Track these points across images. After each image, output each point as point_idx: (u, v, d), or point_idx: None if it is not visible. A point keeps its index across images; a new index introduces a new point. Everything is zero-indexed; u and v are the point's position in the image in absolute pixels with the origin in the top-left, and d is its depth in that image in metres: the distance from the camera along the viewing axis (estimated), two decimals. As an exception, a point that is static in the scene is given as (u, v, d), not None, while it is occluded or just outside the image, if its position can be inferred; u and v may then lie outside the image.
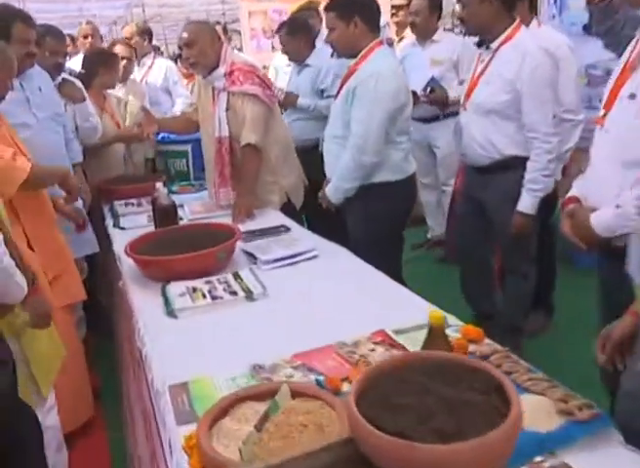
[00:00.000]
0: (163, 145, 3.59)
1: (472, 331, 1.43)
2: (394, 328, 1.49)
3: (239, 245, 2.16)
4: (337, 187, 2.45)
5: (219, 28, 4.76)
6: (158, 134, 3.92)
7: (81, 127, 3.04)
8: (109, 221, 2.85)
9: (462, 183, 2.73)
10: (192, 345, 1.56)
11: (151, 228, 2.44)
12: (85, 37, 4.36)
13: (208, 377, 1.35)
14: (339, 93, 2.44)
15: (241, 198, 2.70)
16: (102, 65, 3.44)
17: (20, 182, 1.92)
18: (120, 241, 2.52)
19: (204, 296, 1.79)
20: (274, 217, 2.69)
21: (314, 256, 2.10)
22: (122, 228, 2.69)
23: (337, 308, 1.70)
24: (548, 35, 2.68)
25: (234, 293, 1.80)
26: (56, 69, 2.85)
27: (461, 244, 2.72)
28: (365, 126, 2.30)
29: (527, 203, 2.30)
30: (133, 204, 2.99)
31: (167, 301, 1.78)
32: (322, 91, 3.66)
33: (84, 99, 2.99)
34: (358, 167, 2.38)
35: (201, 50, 2.63)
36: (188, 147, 3.52)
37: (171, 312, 1.72)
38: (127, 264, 2.11)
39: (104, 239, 2.85)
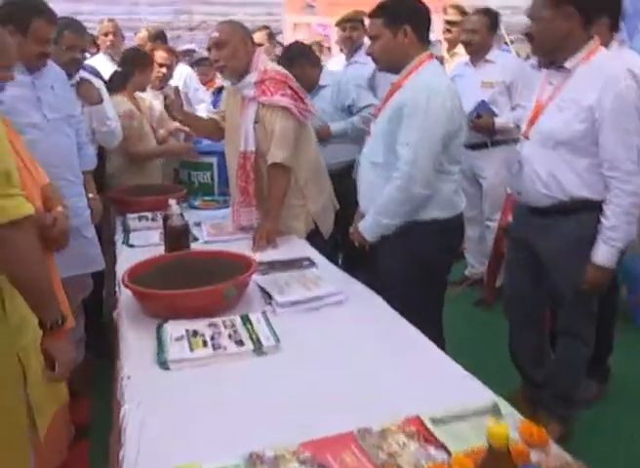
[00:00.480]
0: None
1: (535, 432, 1.10)
2: (432, 414, 1.17)
3: (254, 278, 1.88)
4: (374, 223, 2.09)
5: (264, 34, 4.49)
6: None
7: (97, 131, 2.81)
8: (119, 236, 2.59)
9: (513, 224, 2.38)
10: (180, 413, 1.27)
11: (162, 248, 2.18)
12: (106, 35, 4.15)
13: (195, 465, 1.06)
14: (379, 112, 2.12)
15: (264, 222, 2.42)
16: (139, 65, 3.29)
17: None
18: (126, 260, 2.27)
19: (204, 344, 1.50)
20: (298, 247, 2.41)
21: (339, 302, 1.79)
22: (131, 245, 2.44)
23: (362, 376, 1.39)
24: (631, 57, 2.35)
25: (240, 343, 1.50)
26: (72, 65, 2.62)
27: (510, 296, 2.35)
28: (415, 151, 1.95)
29: (605, 254, 1.94)
30: (147, 218, 2.74)
31: (160, 346, 1.50)
32: (349, 107, 3.34)
33: (101, 101, 2.76)
34: (405, 200, 2.00)
35: (231, 52, 2.37)
36: (214, 159, 3.28)
37: (163, 363, 1.43)
38: (125, 292, 1.83)
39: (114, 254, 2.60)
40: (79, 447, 2.23)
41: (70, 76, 2.61)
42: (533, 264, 2.16)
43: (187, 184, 3.32)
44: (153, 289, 1.68)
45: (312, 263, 2.12)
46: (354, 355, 1.50)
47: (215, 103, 4.53)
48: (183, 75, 4.37)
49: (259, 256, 2.23)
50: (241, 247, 2.34)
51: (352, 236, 2.21)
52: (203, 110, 4.14)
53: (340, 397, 1.30)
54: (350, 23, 4.00)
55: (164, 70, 3.71)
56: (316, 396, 1.31)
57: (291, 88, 2.42)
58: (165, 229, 2.10)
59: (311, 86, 3.22)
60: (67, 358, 1.44)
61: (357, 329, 1.66)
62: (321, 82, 3.30)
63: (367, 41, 4.07)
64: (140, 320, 1.70)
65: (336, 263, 2.82)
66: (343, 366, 1.45)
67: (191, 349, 1.47)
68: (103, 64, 3.80)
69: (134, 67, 3.27)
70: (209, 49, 2.48)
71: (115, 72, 3.32)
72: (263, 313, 1.68)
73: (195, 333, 1.55)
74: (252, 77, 2.41)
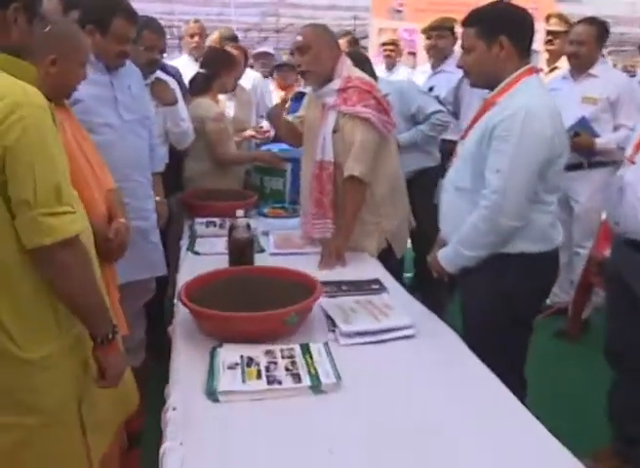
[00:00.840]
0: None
1: None
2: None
3: (319, 300, 1.73)
4: (456, 253, 1.87)
5: (345, 41, 4.36)
6: (260, 145, 3.65)
7: (171, 132, 2.77)
8: (185, 241, 2.52)
9: (609, 259, 2.12)
10: (225, 455, 1.15)
11: (227, 258, 2.08)
12: (191, 36, 4.04)
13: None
14: (467, 131, 1.90)
15: (334, 238, 2.28)
16: (225, 66, 3.21)
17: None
18: (189, 268, 2.19)
19: (259, 375, 1.37)
20: (369, 266, 2.25)
21: (410, 336, 1.62)
22: (196, 253, 2.36)
23: (428, 425, 1.23)
24: None
25: (297, 378, 1.36)
26: (150, 66, 2.58)
27: (611, 343, 2.09)
28: (506, 178, 1.72)
29: None
30: (215, 224, 2.65)
31: (211, 374, 1.38)
32: (413, 115, 3.16)
33: (176, 102, 2.70)
34: (491, 231, 1.78)
35: (315, 57, 2.24)
36: (288, 166, 3.16)
37: (212, 393, 1.31)
38: (182, 306, 1.74)
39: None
40: (131, 456, 2.17)
41: (147, 76, 2.58)
42: (632, 307, 1.91)
43: (259, 190, 3.23)
44: (210, 307, 1.57)
45: (382, 288, 1.96)
46: (421, 400, 1.34)
47: (293, 109, 4.43)
48: (251, 79, 4.24)
49: (325, 274, 2.11)
50: (309, 262, 2.22)
51: (430, 264, 2.01)
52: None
53: (401, 447, 1.16)
54: (436, 32, 3.81)
55: None
56: (375, 444, 1.17)
57: (375, 98, 2.26)
58: (230, 240, 2.00)
59: None
60: (117, 370, 1.38)
61: (427, 369, 1.49)
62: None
63: (458, 49, 3.89)
64: (195, 339, 1.60)
65: (402, 277, 2.66)
66: (408, 412, 1.29)
67: (244, 380, 1.35)
68: (187, 66, 3.76)
69: (219, 68, 3.18)
70: (292, 53, 2.37)
71: (198, 74, 3.24)
72: (325, 344, 1.54)
73: (250, 362, 1.42)
74: (335, 84, 2.27)
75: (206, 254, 2.32)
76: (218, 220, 2.67)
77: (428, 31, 3.85)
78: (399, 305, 1.78)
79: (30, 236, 1.16)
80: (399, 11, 6.63)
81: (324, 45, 2.25)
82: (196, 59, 3.88)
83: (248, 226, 2.02)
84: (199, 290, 1.69)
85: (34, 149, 1.14)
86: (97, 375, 1.34)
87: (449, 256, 1.89)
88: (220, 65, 3.19)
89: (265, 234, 2.59)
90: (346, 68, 2.31)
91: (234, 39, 4.17)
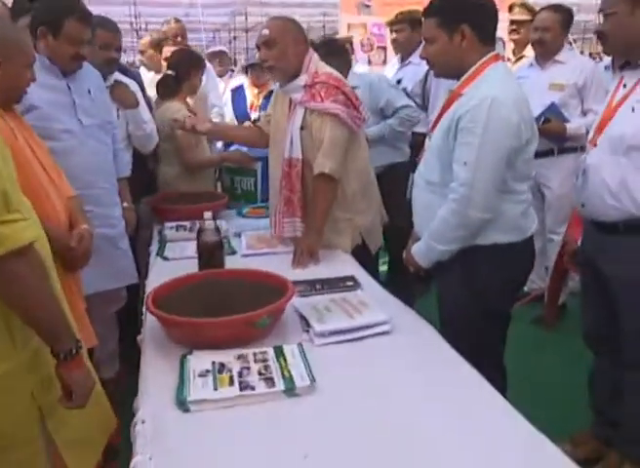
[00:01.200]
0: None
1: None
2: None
3: (292, 299, 1.69)
4: (429, 248, 1.83)
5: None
6: (230, 144, 3.59)
7: (134, 135, 2.70)
8: (154, 247, 2.47)
9: (581, 245, 2.12)
10: (198, 465, 1.11)
11: (197, 262, 2.03)
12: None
13: None
14: (435, 124, 1.87)
15: (306, 236, 2.25)
16: (194, 67, 3.14)
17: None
18: (158, 274, 2.14)
19: (231, 382, 1.33)
20: (343, 263, 2.22)
21: (386, 332, 1.59)
22: (165, 258, 2.30)
23: (407, 425, 1.20)
24: None
25: (271, 382, 1.32)
26: (108, 65, 2.51)
27: (589, 328, 2.09)
28: (473, 170, 1.68)
29: None
30: (185, 228, 2.59)
31: (182, 383, 1.33)
32: (381, 109, 3.14)
33: (137, 105, 2.64)
34: (461, 225, 1.74)
35: (281, 52, 2.19)
36: (258, 165, 3.11)
37: (183, 403, 1.27)
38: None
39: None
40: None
41: (106, 77, 2.51)
42: (602, 290, 1.90)
43: (230, 191, 3.19)
44: (179, 313, 1.53)
45: (356, 284, 1.93)
46: (399, 398, 1.31)
47: (265, 107, 4.36)
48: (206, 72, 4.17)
49: (299, 273, 2.07)
50: (282, 261, 2.19)
51: (406, 260, 1.98)
52: (214, 114, 3.90)
53: (380, 449, 1.12)
54: (395, 26, 3.80)
55: None
56: (353, 446, 1.13)
57: (344, 93, 2.22)
58: (198, 244, 1.95)
59: None
60: (84, 389, 1.29)
61: (405, 365, 1.46)
62: (350, 82, 3.12)
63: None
64: (165, 347, 1.55)
65: (377, 271, 2.64)
66: (386, 411, 1.26)
67: (215, 387, 1.31)
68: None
69: (189, 69, 3.10)
70: (258, 47, 2.32)
71: (167, 76, 3.14)
72: (299, 345, 1.50)
73: (222, 368, 1.38)
74: (301, 80, 2.23)
75: (175, 259, 2.27)
76: (188, 224, 2.61)
77: (390, 26, 3.84)
78: (374, 301, 1.75)
79: None
80: (367, 5, 6.63)
81: (290, 39, 2.21)
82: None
83: (217, 229, 1.97)
84: (167, 296, 1.64)
85: None
86: (62, 394, 1.27)
87: (422, 251, 1.86)
88: (189, 66, 3.11)
89: (237, 235, 2.55)
90: (314, 63, 2.26)
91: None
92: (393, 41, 3.88)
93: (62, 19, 2.01)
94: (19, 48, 1.64)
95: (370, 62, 6.16)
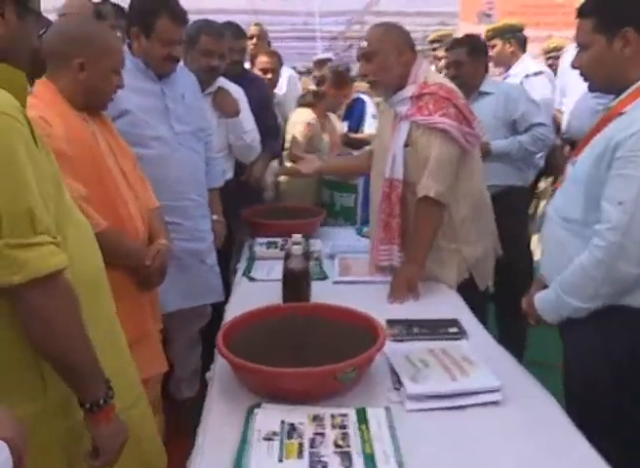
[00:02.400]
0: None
1: None
2: None
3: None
4: (559, 302, 1.50)
5: None
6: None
7: (233, 145, 2.56)
8: (242, 265, 2.30)
9: None
10: None
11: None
12: (250, 38, 3.67)
13: None
14: (581, 149, 1.52)
15: (406, 266, 1.98)
16: (336, 86, 3.30)
17: None
18: (242, 295, 1.99)
19: (300, 452, 1.10)
20: (446, 301, 1.95)
21: (496, 402, 1.30)
22: (251, 278, 2.13)
23: None
24: None
25: (347, 459, 1.08)
26: (207, 73, 2.38)
27: None
28: (631, 212, 1.35)
29: None
30: (276, 245, 2.41)
31: (243, 446, 1.13)
32: (514, 122, 2.76)
33: (237, 114, 2.50)
34: (607, 279, 1.40)
35: (382, 64, 1.96)
36: (360, 181, 2.90)
37: (239, 472, 1.06)
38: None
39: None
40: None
41: (205, 84, 2.39)
42: None
43: (329, 206, 2.98)
44: (252, 354, 1.32)
45: (461, 332, 1.64)
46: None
47: (347, 117, 4.16)
48: (285, 79, 3.96)
49: (395, 308, 1.83)
50: (377, 293, 1.96)
51: (525, 309, 1.66)
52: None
53: None
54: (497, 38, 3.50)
55: (269, 76, 3.36)
56: None
57: (456, 107, 1.95)
58: (284, 271, 1.75)
59: (470, 90, 2.71)
60: (113, 444, 1.10)
61: (517, 448, 1.16)
62: (484, 88, 2.80)
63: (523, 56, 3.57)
64: (233, 392, 1.35)
65: (486, 314, 2.35)
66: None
67: (281, 458, 1.09)
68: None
69: (331, 88, 3.31)
70: (358, 59, 2.10)
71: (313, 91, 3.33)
72: (387, 409, 1.25)
73: (292, 431, 1.16)
74: (407, 91, 1.98)
75: (262, 281, 2.09)
76: (280, 241, 2.43)
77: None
78: (482, 357, 1.46)
79: None
80: (489, 15, 6.30)
81: (392, 48, 1.96)
82: (250, 62, 3.61)
83: (305, 255, 1.76)
84: (241, 331, 1.45)
85: None
86: (90, 450, 1.09)
87: (550, 303, 1.53)
88: (331, 84, 3.32)
89: (331, 257, 2.34)
90: (423, 73, 2.01)
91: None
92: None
93: (154, 17, 1.93)
94: (104, 50, 1.54)
95: (485, 72, 5.99)
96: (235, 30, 2.65)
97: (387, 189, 2.03)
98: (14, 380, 1.00)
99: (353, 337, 1.42)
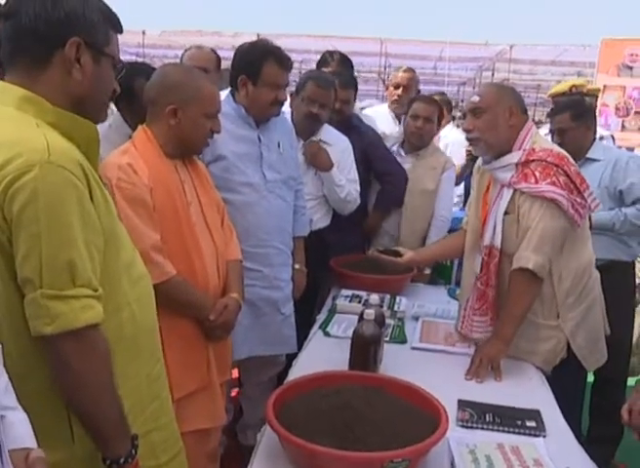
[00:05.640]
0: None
1: None
2: None
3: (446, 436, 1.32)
4: None
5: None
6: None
7: (328, 197, 2.52)
8: (322, 316, 2.25)
9: None
10: None
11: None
12: (396, 87, 3.31)
13: None
14: None
15: (490, 341, 1.83)
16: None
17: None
18: (314, 350, 1.94)
19: None
20: (531, 386, 1.76)
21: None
22: (327, 334, 2.07)
23: None
24: None
25: None
26: (307, 119, 2.37)
27: None
28: None
29: None
30: (359, 299, 2.34)
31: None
32: (620, 192, 2.49)
33: (329, 168, 2.43)
34: None
35: (490, 122, 1.85)
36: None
37: None
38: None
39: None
40: None
41: (310, 132, 2.40)
42: None
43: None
44: (300, 423, 1.27)
45: (539, 427, 1.47)
46: None
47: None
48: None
49: (470, 386, 1.71)
50: (457, 365, 1.84)
51: (624, 415, 1.40)
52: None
53: None
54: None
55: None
56: None
57: (566, 174, 1.79)
58: (353, 334, 1.66)
59: (578, 156, 2.48)
60: None
61: None
62: (591, 154, 2.56)
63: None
64: (277, 461, 1.29)
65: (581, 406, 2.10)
66: None
67: None
68: (384, 116, 3.31)
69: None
70: (464, 114, 2.01)
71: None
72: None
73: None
74: (513, 157, 1.85)
75: (337, 337, 2.03)
76: (364, 295, 2.35)
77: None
78: (557, 462, 1.29)
79: (32, 321, 0.96)
80: (630, 67, 5.95)
81: (503, 109, 1.85)
82: (396, 114, 3.32)
83: (379, 319, 1.67)
84: (295, 399, 1.39)
85: (43, 217, 0.93)
86: None
87: None
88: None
89: (415, 319, 2.23)
90: (531, 138, 1.88)
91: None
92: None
93: (261, 63, 1.96)
94: (194, 95, 1.58)
95: (623, 128, 5.57)
96: (343, 80, 2.64)
97: (486, 257, 1.90)
98: (44, 426, 1.00)
99: (414, 419, 1.31)
